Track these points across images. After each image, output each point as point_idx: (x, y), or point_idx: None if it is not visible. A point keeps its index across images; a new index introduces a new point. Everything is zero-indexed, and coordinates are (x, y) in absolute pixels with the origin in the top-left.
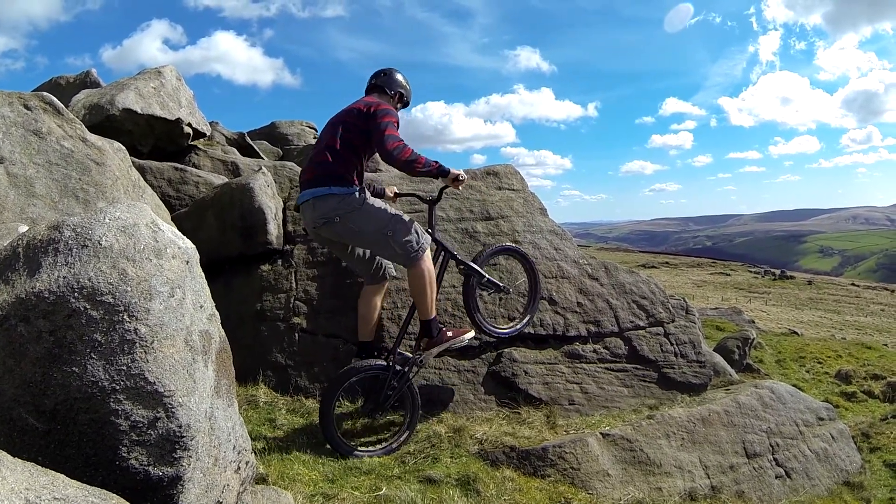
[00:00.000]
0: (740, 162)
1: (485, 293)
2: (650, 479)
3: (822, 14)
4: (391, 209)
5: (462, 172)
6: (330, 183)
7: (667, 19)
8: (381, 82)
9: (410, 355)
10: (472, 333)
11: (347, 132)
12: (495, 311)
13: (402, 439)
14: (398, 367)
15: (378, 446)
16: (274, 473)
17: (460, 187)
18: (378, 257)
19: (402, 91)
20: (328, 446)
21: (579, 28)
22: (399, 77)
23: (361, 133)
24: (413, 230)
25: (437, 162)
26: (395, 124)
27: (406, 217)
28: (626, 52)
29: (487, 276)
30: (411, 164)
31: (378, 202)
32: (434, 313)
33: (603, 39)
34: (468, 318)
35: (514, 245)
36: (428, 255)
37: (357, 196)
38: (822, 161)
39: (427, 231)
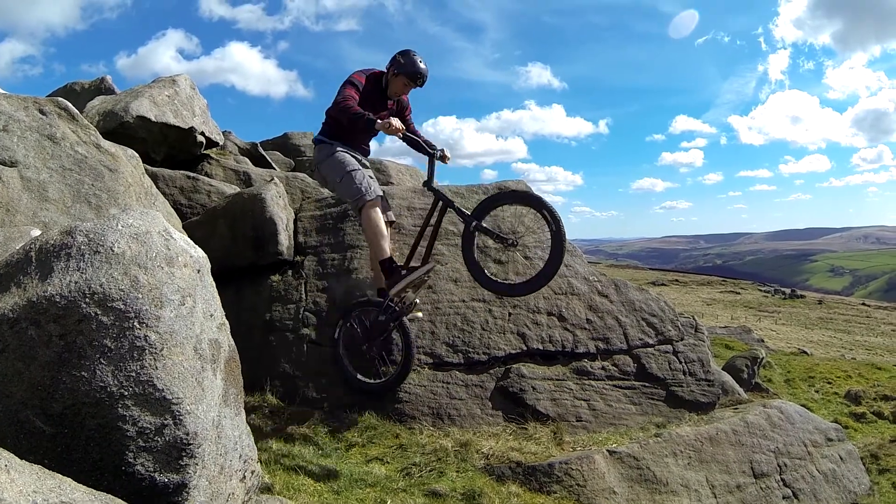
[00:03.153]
0: (751, 180)
1: (488, 241)
2: (656, 497)
3: (830, 33)
4: (353, 161)
5: (394, 123)
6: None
7: (671, 26)
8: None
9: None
10: (430, 266)
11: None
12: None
13: (397, 375)
14: (387, 303)
15: (378, 380)
16: (279, 483)
17: (394, 132)
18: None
19: (391, 64)
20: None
21: (590, 44)
22: (396, 56)
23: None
24: (362, 179)
25: (365, 116)
26: (351, 86)
27: (360, 171)
28: (636, 69)
29: (487, 225)
30: (345, 110)
31: (346, 156)
32: (387, 254)
33: (613, 56)
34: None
35: (524, 190)
36: (374, 202)
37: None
38: (833, 180)
39: (423, 182)
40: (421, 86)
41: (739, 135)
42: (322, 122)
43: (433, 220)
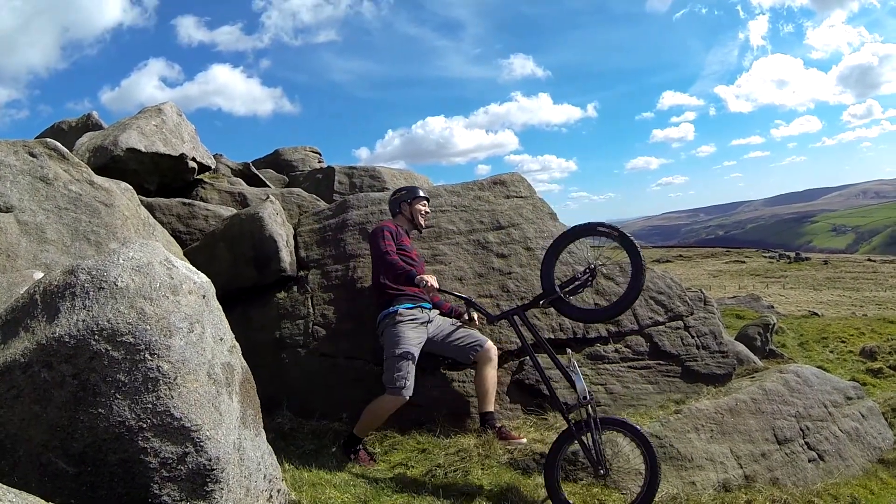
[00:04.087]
0: (744, 148)
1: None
2: (683, 473)
3: None
4: (406, 342)
5: (428, 280)
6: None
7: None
8: (389, 209)
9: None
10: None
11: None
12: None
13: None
14: (572, 424)
15: None
16: (306, 499)
17: (430, 290)
18: (456, 343)
19: (398, 205)
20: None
21: (569, 31)
22: (394, 197)
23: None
24: (402, 370)
25: (405, 271)
26: (389, 232)
27: (407, 362)
28: (618, 49)
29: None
30: (392, 268)
31: (404, 334)
32: (363, 436)
33: (594, 39)
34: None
35: (569, 230)
36: (398, 399)
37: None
38: (826, 139)
39: (486, 323)
40: (429, 200)
41: (728, 104)
42: (374, 290)
43: (526, 335)
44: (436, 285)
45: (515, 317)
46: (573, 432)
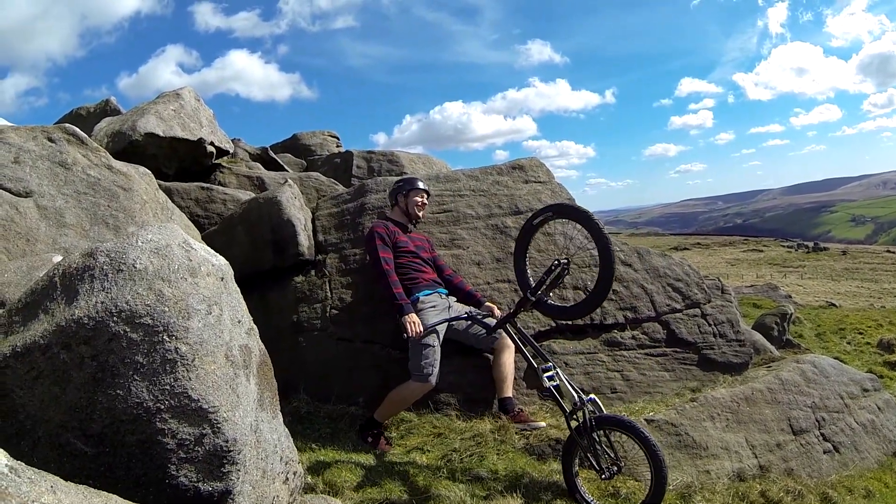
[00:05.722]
0: (763, 136)
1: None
2: (697, 462)
3: None
4: (430, 334)
5: (410, 326)
6: None
7: None
8: (389, 202)
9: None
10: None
11: None
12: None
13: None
14: (574, 427)
15: None
16: (322, 482)
17: (409, 332)
18: (474, 331)
19: (395, 196)
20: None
21: (586, 15)
22: (392, 188)
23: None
24: (428, 356)
25: (398, 301)
26: (381, 240)
27: (434, 349)
28: (636, 35)
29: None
30: (385, 287)
31: (429, 317)
32: (385, 422)
33: (611, 24)
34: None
35: (535, 211)
36: (425, 385)
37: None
38: (846, 128)
39: (487, 332)
40: (427, 193)
41: (746, 92)
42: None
43: (518, 339)
44: (420, 331)
45: (507, 325)
46: (574, 438)
